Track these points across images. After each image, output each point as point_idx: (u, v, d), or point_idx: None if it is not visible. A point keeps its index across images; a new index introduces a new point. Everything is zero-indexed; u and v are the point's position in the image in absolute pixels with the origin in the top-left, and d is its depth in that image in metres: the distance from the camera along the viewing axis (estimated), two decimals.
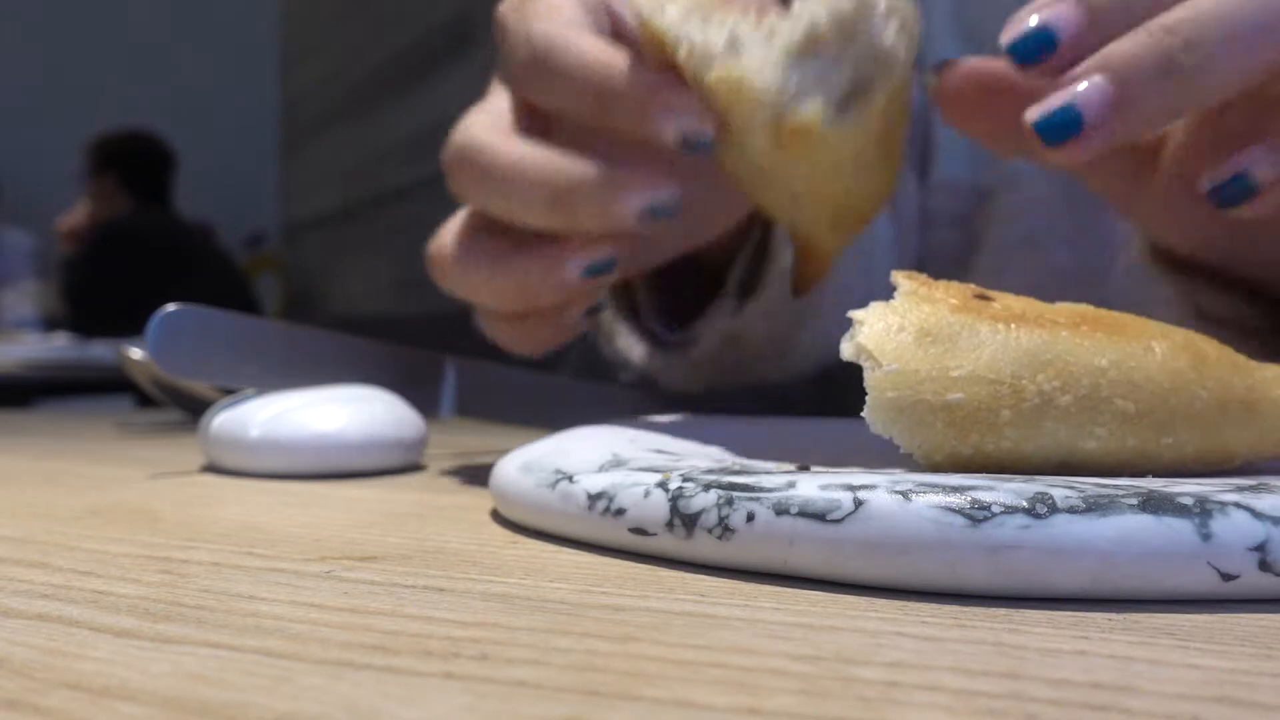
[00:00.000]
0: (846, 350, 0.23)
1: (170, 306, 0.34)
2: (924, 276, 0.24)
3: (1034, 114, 0.26)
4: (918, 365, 0.22)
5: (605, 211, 0.30)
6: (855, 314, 0.23)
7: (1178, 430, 0.22)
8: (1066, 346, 0.22)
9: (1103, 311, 0.24)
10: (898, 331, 0.22)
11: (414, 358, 0.42)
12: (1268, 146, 0.26)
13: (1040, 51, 0.26)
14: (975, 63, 0.29)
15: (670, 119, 0.28)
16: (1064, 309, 0.23)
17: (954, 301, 0.23)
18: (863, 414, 0.22)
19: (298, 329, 0.39)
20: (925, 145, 0.49)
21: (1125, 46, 0.25)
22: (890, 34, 0.27)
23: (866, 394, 0.22)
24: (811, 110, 0.27)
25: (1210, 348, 0.23)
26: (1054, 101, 0.26)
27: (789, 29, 0.27)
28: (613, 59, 0.29)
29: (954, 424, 0.21)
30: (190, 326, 0.35)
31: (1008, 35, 0.27)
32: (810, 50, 0.27)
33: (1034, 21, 0.26)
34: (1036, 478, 0.19)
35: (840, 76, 0.27)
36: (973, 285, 0.24)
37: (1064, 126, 0.25)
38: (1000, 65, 0.28)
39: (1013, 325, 0.22)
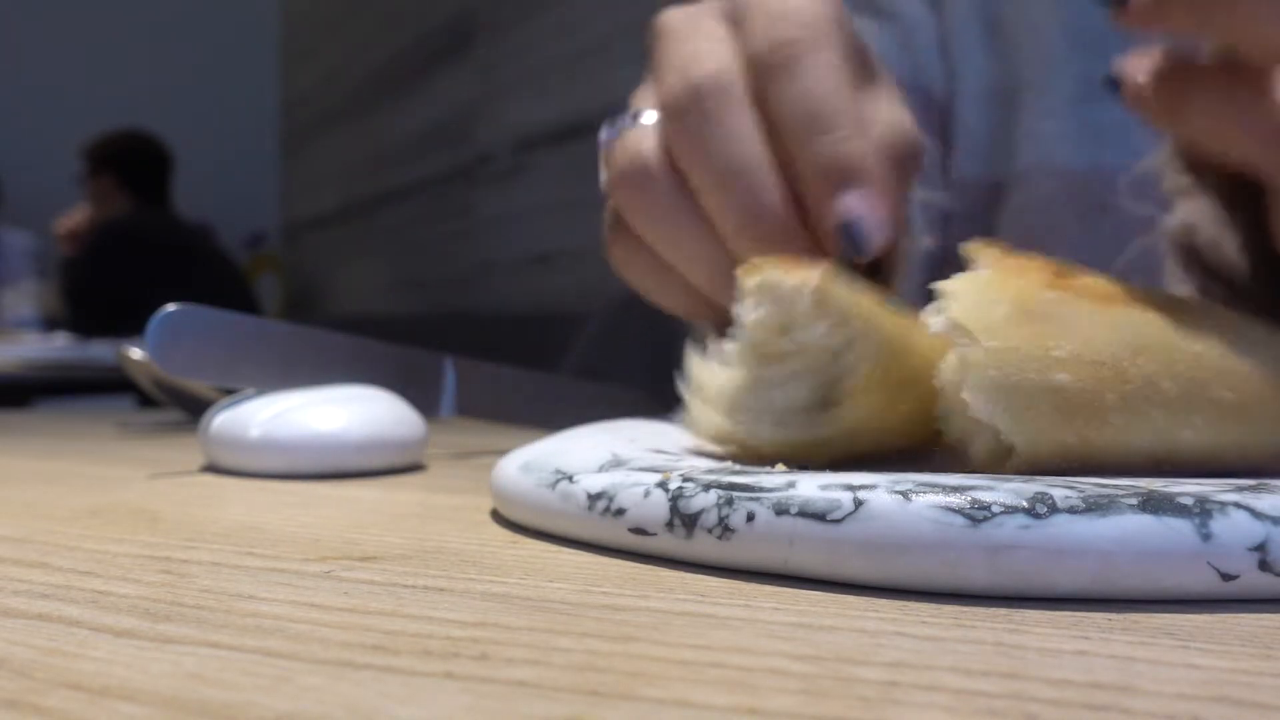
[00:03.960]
0: (935, 324, 0.21)
1: (170, 306, 0.34)
2: (1005, 247, 0.23)
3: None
4: (1017, 343, 0.20)
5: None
6: (943, 285, 0.21)
7: (1277, 421, 0.21)
8: (1162, 330, 0.21)
9: (1187, 298, 0.22)
10: (992, 306, 0.21)
11: (414, 358, 0.42)
12: None
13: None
14: (1148, 62, 0.27)
15: None
16: (1149, 293, 0.22)
17: (1043, 277, 0.21)
18: (963, 394, 0.20)
19: (298, 329, 0.39)
20: (945, 147, 0.49)
21: None
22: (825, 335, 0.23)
23: (967, 372, 0.20)
24: (760, 436, 0.24)
25: None
26: None
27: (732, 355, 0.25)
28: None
29: (1060, 408, 0.20)
30: (190, 326, 0.35)
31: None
32: (758, 375, 0.25)
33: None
34: (1036, 478, 0.19)
35: (791, 389, 0.24)
36: (1051, 262, 0.23)
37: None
38: (1168, 54, 0.27)
39: (1106, 305, 0.21)
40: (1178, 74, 0.27)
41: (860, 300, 0.23)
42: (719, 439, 0.25)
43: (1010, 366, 0.20)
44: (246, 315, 0.37)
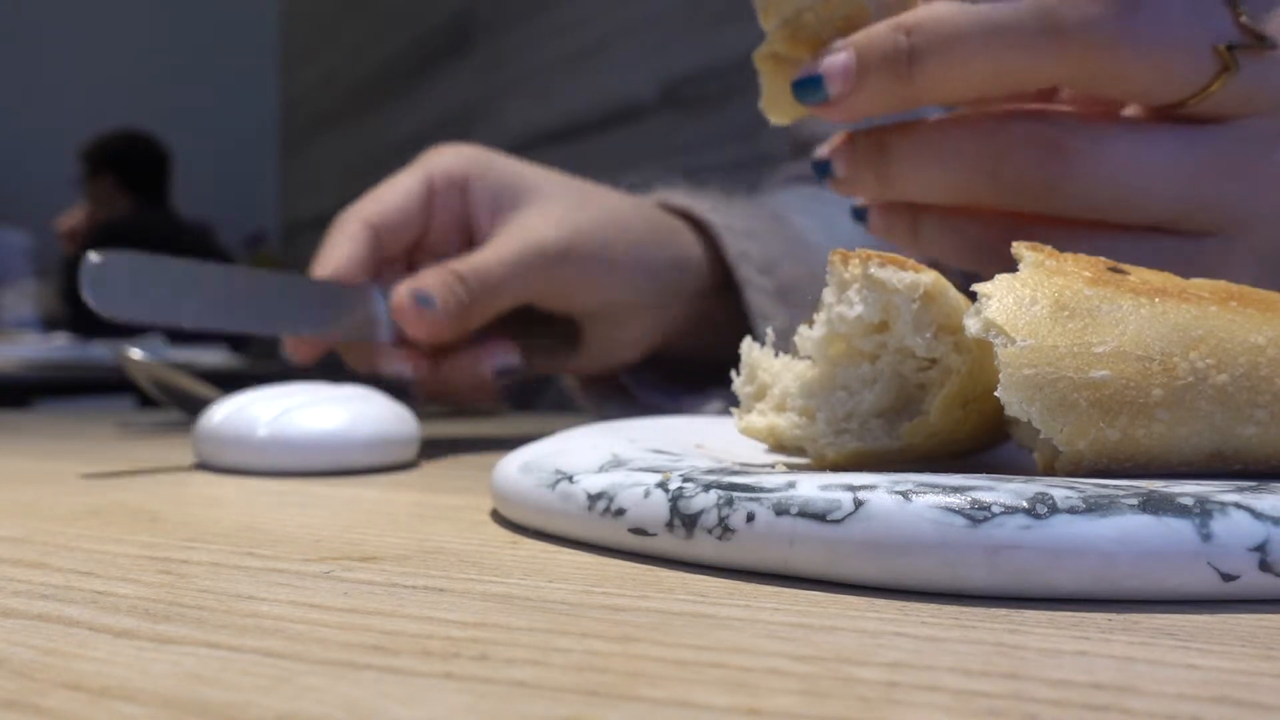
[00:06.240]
0: (973, 326, 0.21)
1: (100, 252, 0.35)
2: (1049, 248, 0.23)
3: (795, 78, 0.32)
4: (1056, 340, 0.20)
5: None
6: (980, 287, 0.21)
7: None
8: (1219, 322, 0.20)
9: (1248, 289, 0.22)
10: (1030, 304, 0.20)
11: (346, 290, 0.44)
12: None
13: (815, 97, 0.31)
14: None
15: None
16: (1206, 284, 0.22)
17: (1088, 274, 0.21)
18: (996, 393, 0.20)
19: (231, 269, 0.40)
20: None
21: (871, 33, 0.31)
22: (926, 342, 0.22)
23: (1000, 371, 0.20)
24: (843, 446, 0.23)
25: None
26: (809, 69, 0.31)
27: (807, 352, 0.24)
28: None
29: (1099, 404, 0.20)
30: (124, 269, 0.35)
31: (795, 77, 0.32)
32: (829, 378, 0.24)
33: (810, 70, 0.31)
34: (1036, 478, 0.19)
35: (873, 392, 0.23)
36: (1104, 259, 0.23)
37: (812, 89, 0.31)
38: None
39: (1156, 299, 0.21)
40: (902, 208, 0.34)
41: (958, 308, 0.23)
42: (786, 442, 0.24)
43: (1047, 364, 0.20)
44: (180, 258, 0.38)
